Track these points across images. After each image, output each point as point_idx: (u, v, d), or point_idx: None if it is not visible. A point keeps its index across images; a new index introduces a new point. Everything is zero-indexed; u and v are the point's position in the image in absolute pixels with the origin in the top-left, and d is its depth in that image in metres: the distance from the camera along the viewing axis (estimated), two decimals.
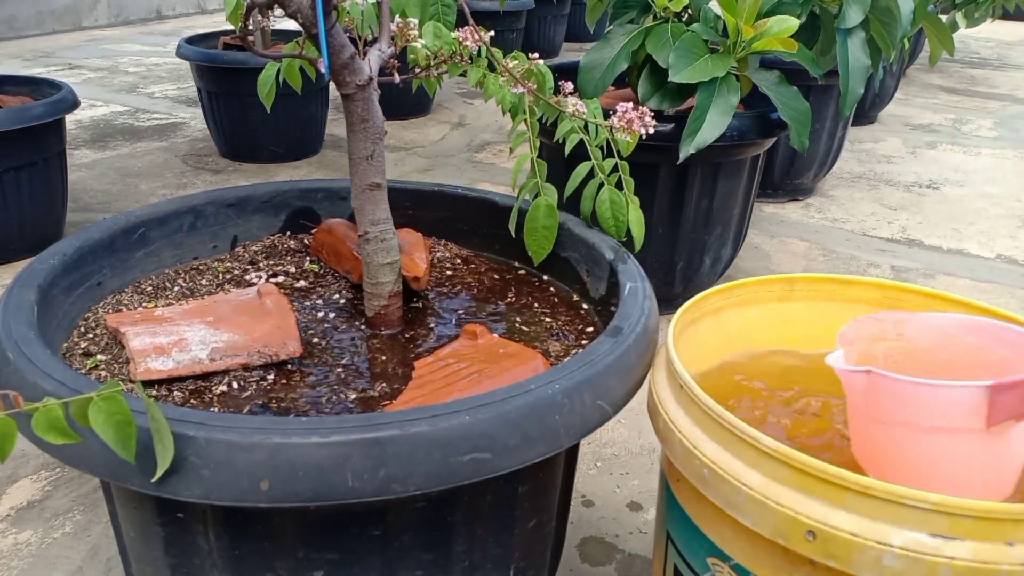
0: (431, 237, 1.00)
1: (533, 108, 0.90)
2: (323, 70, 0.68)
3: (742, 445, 0.54)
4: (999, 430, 0.55)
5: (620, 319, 0.70)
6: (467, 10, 0.88)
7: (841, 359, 0.59)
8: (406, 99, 2.94)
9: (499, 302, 0.87)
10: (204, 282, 0.88)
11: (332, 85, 0.75)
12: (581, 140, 0.89)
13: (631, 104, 0.85)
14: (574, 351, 0.77)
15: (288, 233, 1.00)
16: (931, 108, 3.49)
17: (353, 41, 0.74)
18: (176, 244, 0.91)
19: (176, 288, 0.86)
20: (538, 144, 0.90)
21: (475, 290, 0.89)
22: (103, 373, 0.70)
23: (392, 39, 0.78)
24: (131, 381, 0.68)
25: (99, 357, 0.72)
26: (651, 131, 0.85)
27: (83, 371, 0.70)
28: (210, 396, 0.68)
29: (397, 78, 0.81)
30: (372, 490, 0.53)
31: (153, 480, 0.52)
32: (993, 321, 0.64)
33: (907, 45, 3.11)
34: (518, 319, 0.83)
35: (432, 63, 0.86)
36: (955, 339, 0.64)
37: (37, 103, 1.66)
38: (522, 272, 0.94)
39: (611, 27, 1.42)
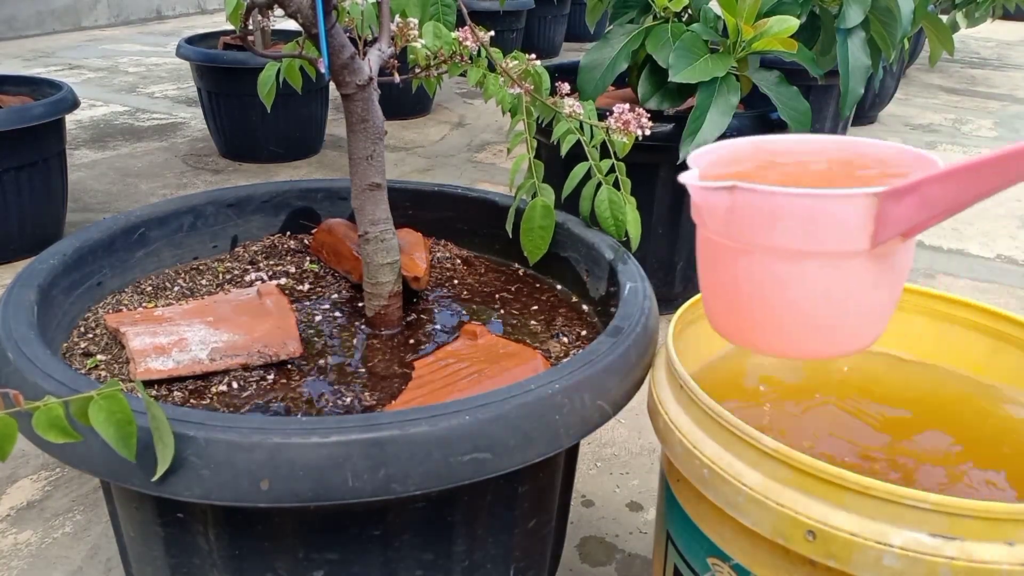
0: (431, 237, 1.00)
1: (530, 109, 0.90)
2: (323, 70, 0.68)
3: (742, 445, 0.54)
4: (883, 252, 0.47)
5: (620, 319, 0.70)
6: (466, 11, 0.88)
7: (695, 176, 0.49)
8: (406, 99, 2.94)
9: (499, 302, 0.87)
10: (204, 282, 0.88)
11: (332, 85, 0.75)
12: (579, 140, 0.89)
13: (627, 105, 0.85)
14: (574, 351, 0.77)
15: (288, 233, 1.00)
16: (931, 108, 3.49)
17: (353, 41, 0.74)
18: (176, 244, 0.91)
19: (176, 288, 0.86)
20: (535, 145, 0.90)
21: (475, 290, 0.89)
22: (103, 373, 0.70)
23: (392, 39, 0.78)
24: (131, 381, 0.68)
25: (99, 357, 0.72)
26: (647, 133, 0.85)
27: (83, 371, 0.70)
28: (210, 396, 0.68)
29: (397, 78, 0.81)
30: (372, 490, 0.53)
31: (154, 479, 0.52)
32: (861, 140, 0.55)
33: (907, 45, 3.11)
34: (518, 319, 0.83)
35: (432, 63, 0.86)
36: (824, 157, 0.55)
37: (37, 103, 1.66)
38: (522, 272, 0.94)
39: (611, 27, 1.42)
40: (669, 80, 1.26)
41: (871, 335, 0.52)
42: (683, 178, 0.49)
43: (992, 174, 0.42)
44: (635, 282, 0.76)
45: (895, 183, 0.44)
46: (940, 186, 0.43)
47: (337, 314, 0.83)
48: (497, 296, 0.88)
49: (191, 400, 0.67)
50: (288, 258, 0.95)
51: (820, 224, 0.45)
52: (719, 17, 1.30)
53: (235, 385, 0.69)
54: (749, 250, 0.49)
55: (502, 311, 0.85)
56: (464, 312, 0.85)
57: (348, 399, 0.68)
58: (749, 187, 0.46)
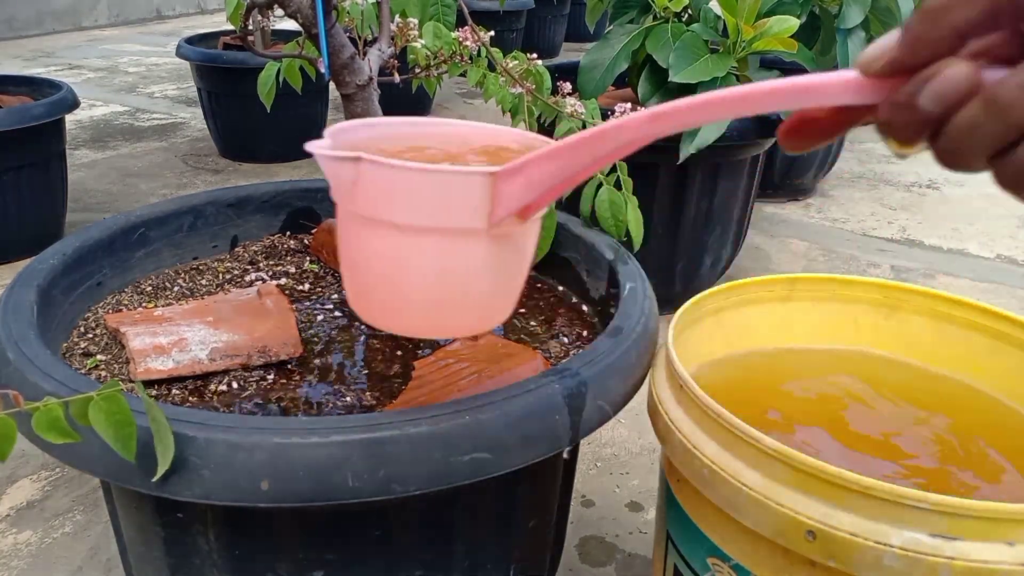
0: None
1: (531, 108, 0.90)
2: (323, 70, 0.68)
3: (742, 445, 0.54)
4: (502, 234, 0.48)
5: (620, 319, 0.70)
6: (466, 10, 0.88)
7: (326, 146, 0.49)
8: (406, 99, 2.94)
9: None
10: (204, 282, 0.88)
11: (332, 85, 0.75)
12: None
13: (629, 105, 0.85)
14: (574, 351, 0.77)
15: (288, 233, 1.00)
16: None
17: (353, 41, 0.74)
18: (176, 244, 0.91)
19: (176, 288, 0.86)
20: None
21: None
22: (103, 373, 0.70)
23: (392, 39, 0.78)
24: (131, 381, 0.68)
25: (99, 357, 0.72)
26: None
27: (83, 371, 0.70)
28: (210, 396, 0.68)
29: (397, 78, 0.81)
30: (372, 490, 0.53)
31: (154, 480, 0.52)
32: (503, 129, 0.56)
33: None
34: (518, 319, 0.83)
35: (432, 63, 0.86)
36: (462, 143, 0.56)
37: (37, 103, 1.66)
38: None
39: (611, 27, 1.43)
40: (669, 80, 1.26)
41: (496, 316, 0.53)
42: (310, 146, 0.48)
43: (582, 154, 0.43)
44: (635, 282, 0.76)
45: (524, 155, 0.45)
46: (542, 165, 0.44)
47: (337, 314, 0.83)
48: None
49: (191, 400, 0.67)
50: (288, 258, 0.95)
51: (439, 200, 0.46)
52: (719, 17, 1.30)
53: (235, 385, 0.69)
54: (373, 224, 0.49)
55: None
56: None
57: (348, 399, 0.68)
58: (372, 159, 0.46)
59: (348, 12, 0.83)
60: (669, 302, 1.54)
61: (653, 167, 1.42)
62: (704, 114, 0.37)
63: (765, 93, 0.33)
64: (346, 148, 0.48)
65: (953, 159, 0.28)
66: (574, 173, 0.45)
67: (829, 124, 0.33)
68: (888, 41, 0.29)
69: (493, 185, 0.45)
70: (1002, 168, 0.27)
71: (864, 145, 2.88)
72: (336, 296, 0.87)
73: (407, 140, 0.56)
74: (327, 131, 0.52)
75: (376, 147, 0.52)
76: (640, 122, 0.39)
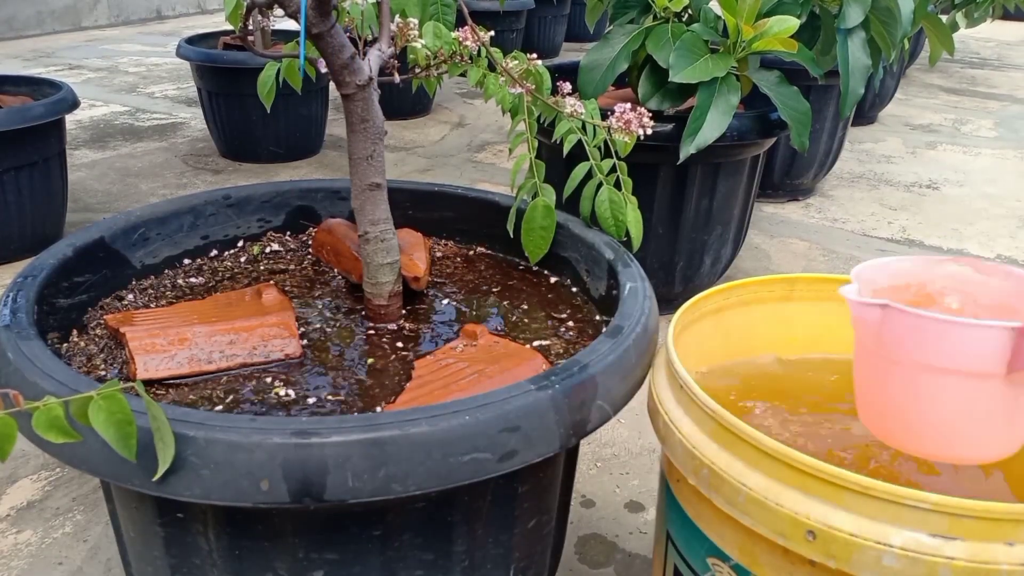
0: (431, 237, 1.00)
1: (531, 108, 0.90)
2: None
3: (742, 445, 0.54)
4: (1020, 379, 0.52)
5: (620, 319, 0.70)
6: (466, 10, 0.88)
7: (855, 291, 0.56)
8: (406, 99, 2.94)
9: (499, 302, 0.87)
10: (204, 282, 0.88)
11: (332, 85, 0.75)
12: (580, 140, 0.89)
13: (629, 105, 0.85)
14: (574, 351, 0.77)
15: (288, 233, 1.00)
16: (931, 108, 3.49)
17: (353, 41, 0.74)
18: (176, 244, 0.91)
19: (176, 288, 0.86)
20: (536, 145, 0.90)
21: (475, 290, 0.89)
22: (103, 373, 0.70)
23: (392, 39, 0.78)
24: (131, 381, 0.68)
25: (99, 357, 0.72)
26: (649, 132, 0.85)
27: (83, 371, 0.70)
28: (210, 396, 0.68)
29: (397, 78, 0.81)
30: (372, 490, 0.53)
31: (154, 479, 0.52)
32: None
33: (907, 45, 3.11)
34: (518, 319, 0.83)
35: (432, 63, 0.86)
36: (983, 287, 0.61)
37: (37, 103, 1.66)
38: (522, 272, 0.94)
39: (611, 27, 1.42)
40: (669, 80, 1.26)
41: (1006, 447, 0.57)
42: (843, 291, 0.56)
43: None
44: (635, 282, 0.76)
45: None
46: None
47: (337, 314, 0.83)
48: (497, 296, 0.88)
49: (190, 400, 0.67)
50: (288, 258, 0.95)
51: (958, 347, 0.52)
52: (719, 17, 1.30)
53: (235, 385, 0.69)
54: (897, 360, 0.55)
55: (502, 311, 0.85)
56: (464, 312, 0.85)
57: (348, 399, 0.68)
58: (898, 307, 0.53)
59: (348, 12, 0.83)
60: (669, 302, 1.54)
61: (653, 167, 1.42)
62: None
63: None
64: (869, 292, 0.57)
65: None
66: None
67: None
68: None
69: (1015, 339, 0.50)
70: None
71: (864, 145, 2.89)
72: (336, 296, 0.87)
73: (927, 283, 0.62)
74: (855, 272, 0.60)
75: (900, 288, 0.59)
76: None
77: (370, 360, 0.75)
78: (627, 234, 0.89)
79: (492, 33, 0.88)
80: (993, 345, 0.51)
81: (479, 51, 0.87)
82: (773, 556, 0.55)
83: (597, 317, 0.83)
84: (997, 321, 0.51)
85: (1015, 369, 0.51)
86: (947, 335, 0.52)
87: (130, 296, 0.83)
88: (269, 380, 0.70)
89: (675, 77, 1.25)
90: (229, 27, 3.01)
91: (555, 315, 0.84)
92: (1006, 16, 4.94)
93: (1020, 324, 0.50)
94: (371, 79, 0.72)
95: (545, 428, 0.58)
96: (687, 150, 1.26)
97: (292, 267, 0.93)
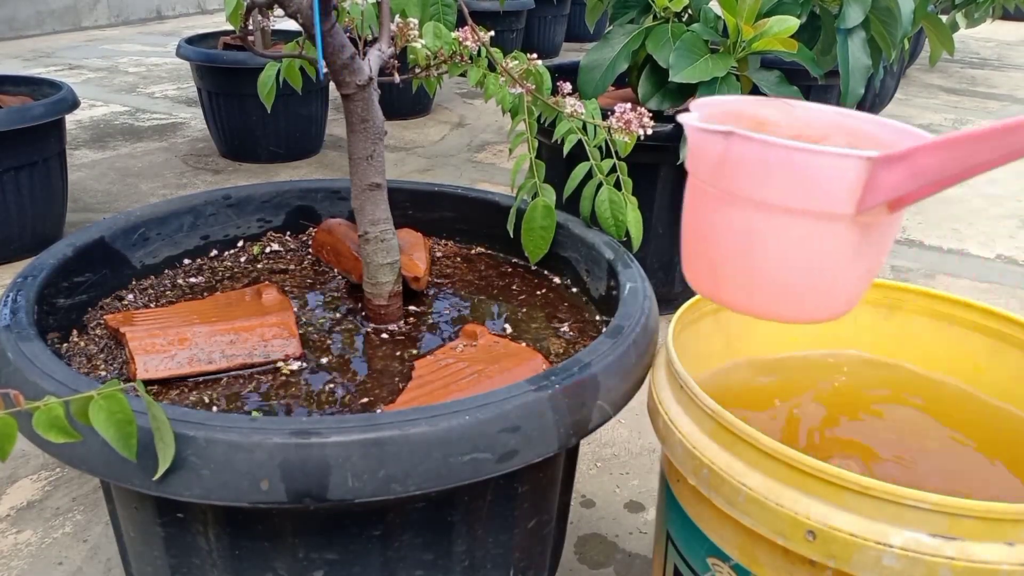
0: (431, 237, 1.00)
1: (531, 109, 0.90)
2: (321, 72, 0.68)
3: (742, 445, 0.54)
4: (866, 222, 0.47)
5: (620, 319, 0.70)
6: (466, 10, 0.88)
7: (695, 118, 0.50)
8: (406, 99, 2.94)
9: (499, 302, 0.87)
10: (204, 282, 0.88)
11: (332, 85, 0.75)
12: (580, 140, 0.89)
13: (629, 104, 0.85)
14: (574, 351, 0.77)
15: (288, 233, 1.00)
16: (931, 108, 3.49)
17: (353, 41, 0.74)
18: (176, 244, 0.91)
19: (176, 288, 0.86)
20: (536, 145, 0.90)
21: (475, 290, 0.89)
22: (103, 373, 0.70)
23: (392, 39, 0.78)
24: (131, 381, 0.68)
25: (99, 357, 0.72)
26: (649, 132, 0.85)
27: (83, 371, 0.70)
28: (209, 396, 0.68)
29: (397, 78, 0.81)
30: (372, 490, 0.53)
31: (155, 479, 0.52)
32: (862, 115, 0.55)
33: (907, 45, 3.11)
34: (518, 319, 0.83)
35: (432, 63, 0.86)
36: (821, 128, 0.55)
37: (37, 103, 1.66)
38: (522, 273, 0.94)
39: (611, 27, 1.42)
40: (669, 80, 1.26)
41: (843, 306, 0.52)
42: (683, 118, 0.49)
43: (985, 148, 0.42)
44: (635, 282, 0.76)
45: (908, 142, 0.44)
46: (931, 156, 0.43)
47: (337, 314, 0.83)
48: (497, 296, 0.88)
49: (190, 400, 0.67)
50: (288, 258, 0.95)
51: (809, 181, 0.45)
52: (719, 17, 1.30)
53: (235, 385, 0.69)
54: (734, 200, 0.48)
55: (502, 311, 0.85)
56: (464, 312, 0.85)
57: (348, 399, 0.68)
58: (745, 134, 0.46)
59: (348, 12, 0.83)
60: (669, 302, 1.54)
61: (653, 167, 1.42)
62: None
63: None
64: (714, 121, 0.47)
65: None
66: (968, 168, 0.43)
67: None
68: None
69: (869, 170, 0.44)
70: None
71: None
72: (336, 296, 0.87)
73: (785, 121, 0.54)
74: (694, 104, 0.52)
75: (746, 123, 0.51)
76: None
77: (370, 360, 0.75)
78: (627, 234, 0.89)
79: (492, 33, 0.88)
80: (847, 178, 0.45)
81: (479, 51, 0.87)
82: (773, 556, 0.55)
83: (597, 317, 0.83)
84: (852, 150, 0.45)
85: (864, 208, 0.46)
86: (795, 165, 0.45)
87: (130, 296, 0.83)
88: (270, 380, 0.70)
89: (675, 77, 1.25)
90: (229, 27, 3.01)
91: (555, 315, 0.84)
92: (1006, 16, 4.95)
93: (877, 154, 0.44)
94: (371, 79, 0.72)
95: (545, 428, 0.58)
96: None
97: (292, 267, 0.93)
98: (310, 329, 0.79)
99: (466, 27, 0.85)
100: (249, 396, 0.68)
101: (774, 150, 0.45)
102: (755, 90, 1.36)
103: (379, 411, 0.67)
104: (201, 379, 0.70)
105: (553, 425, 0.58)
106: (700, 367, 0.73)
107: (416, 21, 0.81)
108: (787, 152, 0.45)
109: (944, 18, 2.99)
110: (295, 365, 0.73)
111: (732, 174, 0.48)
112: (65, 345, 0.74)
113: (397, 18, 0.80)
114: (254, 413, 0.66)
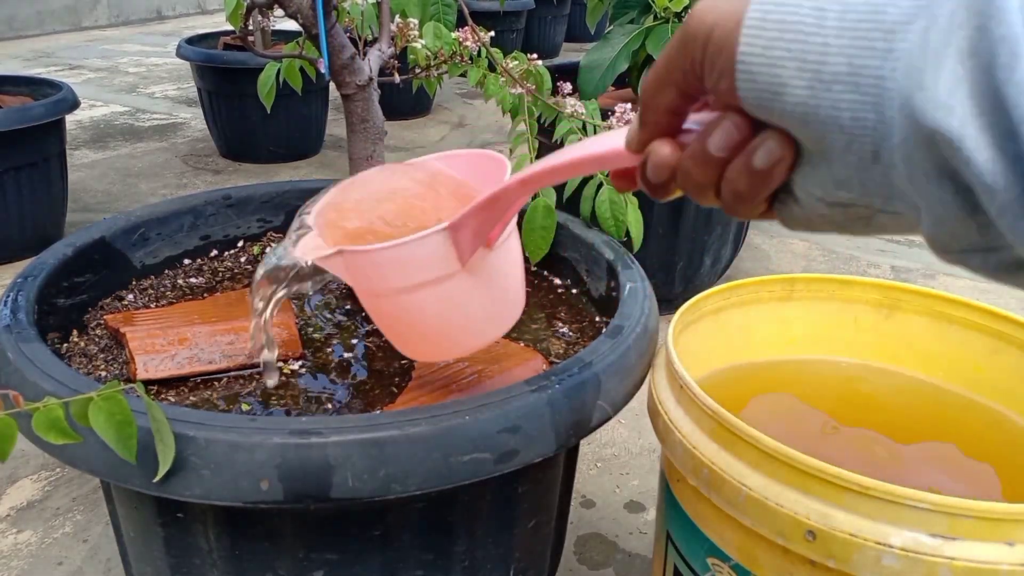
0: None
1: (531, 109, 0.90)
2: (323, 70, 0.68)
3: (742, 446, 0.54)
4: (477, 260, 0.55)
5: (620, 319, 0.70)
6: (466, 10, 0.88)
7: (313, 249, 0.56)
8: (406, 99, 2.94)
9: None
10: (204, 282, 0.88)
11: (332, 85, 0.75)
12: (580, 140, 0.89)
13: (629, 105, 0.85)
14: (574, 351, 0.77)
15: None
16: None
17: (353, 41, 0.74)
18: (176, 244, 0.91)
19: (176, 288, 0.86)
20: (536, 145, 0.90)
21: None
22: (103, 373, 0.70)
23: (392, 39, 0.78)
24: (131, 381, 0.68)
25: (99, 357, 0.72)
26: None
27: (83, 371, 0.70)
28: (210, 396, 0.68)
29: (397, 78, 0.81)
30: (372, 490, 0.53)
31: (155, 480, 0.52)
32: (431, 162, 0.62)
33: None
34: (518, 319, 0.83)
35: (432, 63, 0.86)
36: (393, 191, 0.62)
37: (37, 103, 1.66)
38: None
39: (611, 27, 1.43)
40: None
41: (500, 325, 0.61)
42: (298, 253, 0.56)
43: (493, 209, 0.50)
44: (635, 282, 0.76)
45: (463, 208, 0.51)
46: (476, 216, 0.51)
47: (337, 314, 0.83)
48: None
49: (190, 400, 0.67)
50: None
51: (416, 262, 0.54)
52: None
53: (235, 385, 0.69)
54: (379, 294, 0.57)
55: None
56: None
57: (348, 399, 0.68)
58: (352, 249, 0.54)
59: (348, 12, 0.83)
60: (669, 302, 1.54)
61: None
62: (549, 179, 0.45)
63: (570, 165, 0.42)
64: (322, 229, 0.56)
65: (701, 200, 0.35)
66: (499, 218, 0.52)
67: (630, 176, 0.39)
68: (636, 121, 0.36)
69: (450, 236, 0.52)
70: (730, 201, 0.33)
71: None
72: (336, 296, 0.87)
73: (370, 202, 0.61)
74: (308, 219, 0.59)
75: (348, 214, 0.59)
76: (514, 187, 0.48)
77: (370, 360, 0.75)
78: (627, 234, 0.89)
79: (492, 33, 0.88)
80: (439, 249, 0.53)
81: (479, 51, 0.87)
82: (773, 556, 0.55)
83: (597, 317, 0.83)
84: (429, 230, 0.52)
85: (467, 257, 0.54)
86: (401, 257, 0.53)
87: (130, 296, 0.83)
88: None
89: None
90: (229, 27, 3.01)
91: (555, 315, 0.84)
92: None
93: (446, 223, 0.52)
94: (371, 79, 0.72)
95: (545, 428, 0.58)
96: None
97: None
98: (310, 328, 0.79)
99: (466, 27, 0.85)
100: (249, 396, 0.68)
101: (378, 253, 0.54)
102: None
103: (379, 411, 0.67)
104: (201, 379, 0.70)
105: (553, 425, 0.58)
106: (700, 367, 0.73)
107: (416, 21, 0.81)
108: (388, 251, 0.53)
109: None
110: (295, 365, 0.73)
111: (364, 278, 0.56)
112: (65, 345, 0.74)
113: (397, 18, 0.80)
114: (244, 406, 0.66)
